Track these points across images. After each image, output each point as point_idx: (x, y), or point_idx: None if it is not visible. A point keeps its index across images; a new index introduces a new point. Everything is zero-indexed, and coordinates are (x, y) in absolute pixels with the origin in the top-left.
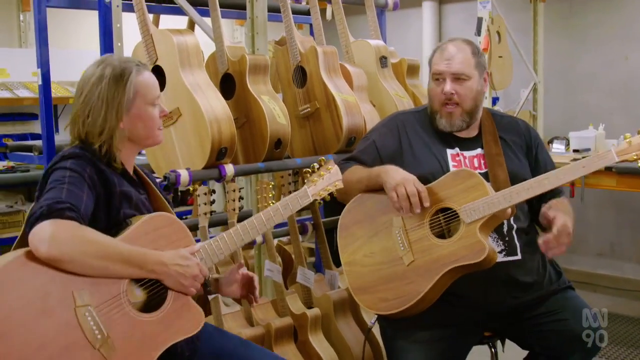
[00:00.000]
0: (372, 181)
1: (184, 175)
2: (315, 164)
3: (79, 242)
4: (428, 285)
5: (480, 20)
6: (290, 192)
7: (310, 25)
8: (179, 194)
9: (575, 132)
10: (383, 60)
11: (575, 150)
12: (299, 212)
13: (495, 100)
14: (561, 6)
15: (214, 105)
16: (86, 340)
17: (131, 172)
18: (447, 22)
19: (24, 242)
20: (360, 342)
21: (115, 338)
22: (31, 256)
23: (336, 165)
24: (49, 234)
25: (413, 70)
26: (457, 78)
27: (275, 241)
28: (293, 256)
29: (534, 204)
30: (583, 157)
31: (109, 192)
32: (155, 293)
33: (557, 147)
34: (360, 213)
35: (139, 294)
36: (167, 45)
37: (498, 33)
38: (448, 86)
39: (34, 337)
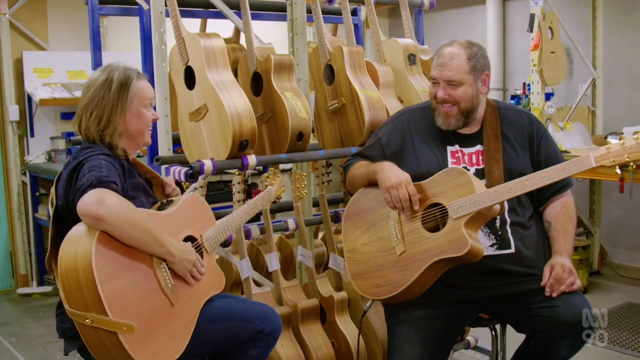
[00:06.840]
0: (370, 177)
1: (208, 165)
2: (270, 169)
3: (124, 209)
4: (415, 275)
5: (532, 16)
6: (323, 183)
7: (356, 25)
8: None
9: (629, 127)
10: (411, 58)
11: None
12: (335, 203)
13: (548, 96)
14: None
15: (236, 101)
16: (160, 287)
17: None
18: (510, 18)
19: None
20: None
21: (178, 288)
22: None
23: (281, 177)
24: (97, 197)
25: None
26: (450, 84)
27: (322, 233)
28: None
29: (536, 198)
30: None
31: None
32: None
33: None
34: (362, 205)
35: None
36: (196, 48)
37: (550, 29)
38: (440, 92)
39: (126, 282)
